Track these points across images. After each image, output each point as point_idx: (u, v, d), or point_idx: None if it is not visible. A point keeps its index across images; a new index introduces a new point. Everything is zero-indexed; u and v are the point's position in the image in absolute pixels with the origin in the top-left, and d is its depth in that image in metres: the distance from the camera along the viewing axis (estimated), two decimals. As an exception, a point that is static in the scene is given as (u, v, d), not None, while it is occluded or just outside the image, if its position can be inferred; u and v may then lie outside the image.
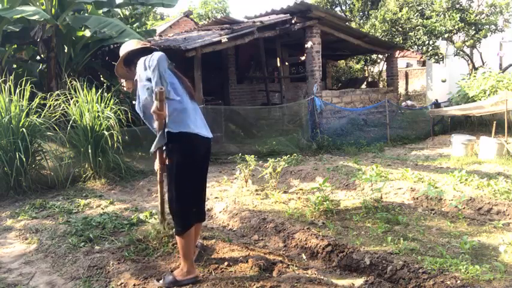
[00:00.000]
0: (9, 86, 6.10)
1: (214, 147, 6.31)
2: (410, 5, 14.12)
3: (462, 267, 3.02)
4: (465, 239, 3.51)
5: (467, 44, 12.55)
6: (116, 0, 9.11)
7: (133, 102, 8.54)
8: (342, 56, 16.46)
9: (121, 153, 6.71)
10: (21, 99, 6.19)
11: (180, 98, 2.87)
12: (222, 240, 3.76)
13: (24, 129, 5.96)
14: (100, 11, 9.68)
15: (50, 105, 6.49)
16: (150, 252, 3.50)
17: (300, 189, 5.74)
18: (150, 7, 11.80)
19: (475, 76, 10.87)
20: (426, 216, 4.42)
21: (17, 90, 6.17)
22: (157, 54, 2.75)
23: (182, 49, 8.77)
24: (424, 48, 13.65)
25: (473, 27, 12.25)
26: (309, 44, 11.01)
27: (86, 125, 6.50)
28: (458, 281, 2.77)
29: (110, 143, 6.46)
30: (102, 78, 10.10)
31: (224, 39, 9.29)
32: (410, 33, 13.85)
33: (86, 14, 9.02)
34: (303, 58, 14.02)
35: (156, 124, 2.83)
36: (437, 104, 12.76)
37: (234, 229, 4.36)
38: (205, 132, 2.96)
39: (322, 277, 3.06)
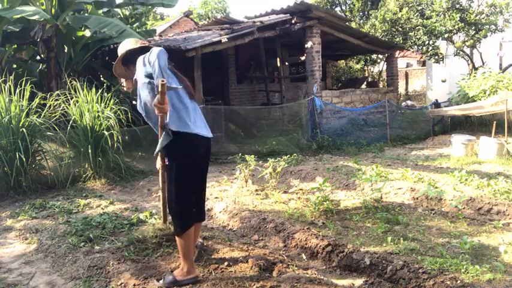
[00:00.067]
0: (9, 86, 6.10)
1: (214, 147, 6.31)
2: (410, 5, 14.11)
3: (462, 267, 3.02)
4: (465, 239, 3.51)
5: (467, 44, 12.55)
6: (116, 0, 9.11)
7: (134, 102, 8.61)
8: (342, 56, 16.45)
9: (121, 153, 6.72)
10: (21, 99, 6.19)
11: (182, 87, 2.83)
12: (222, 240, 3.76)
13: (24, 129, 5.96)
14: (100, 11, 9.68)
15: (50, 105, 6.49)
16: (150, 252, 3.49)
17: (300, 189, 5.73)
18: (150, 7, 11.81)
19: (475, 76, 10.87)
20: (426, 216, 4.42)
21: (17, 90, 6.17)
22: (156, 49, 2.72)
23: (182, 49, 8.77)
24: (424, 48, 13.65)
25: (473, 27, 12.25)
26: (309, 44, 11.01)
27: (86, 125, 6.51)
28: (458, 281, 2.77)
29: (110, 143, 6.47)
30: (102, 78, 10.11)
31: (224, 39, 9.29)
32: (410, 33, 13.85)
33: (86, 14, 9.02)
34: (303, 58, 14.02)
35: (158, 120, 2.79)
36: (437, 104, 12.76)
37: (234, 229, 4.37)
38: (205, 132, 2.95)
39: (322, 277, 3.06)
